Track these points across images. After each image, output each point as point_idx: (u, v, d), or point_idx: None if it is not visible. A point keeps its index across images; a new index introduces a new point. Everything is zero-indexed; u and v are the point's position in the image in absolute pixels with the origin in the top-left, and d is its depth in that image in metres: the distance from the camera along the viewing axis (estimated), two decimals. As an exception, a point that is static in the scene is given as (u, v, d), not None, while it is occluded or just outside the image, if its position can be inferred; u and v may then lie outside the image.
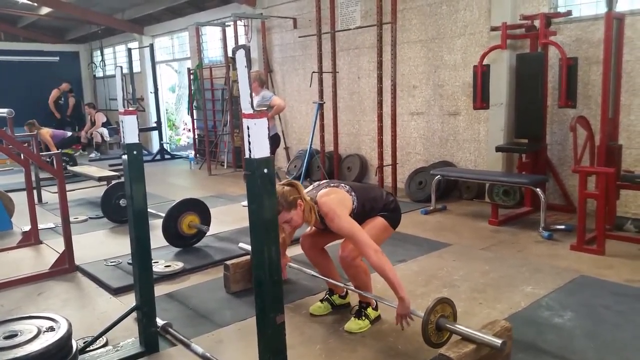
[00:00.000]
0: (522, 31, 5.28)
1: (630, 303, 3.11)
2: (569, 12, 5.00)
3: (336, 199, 2.76)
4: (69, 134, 9.76)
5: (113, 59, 13.89)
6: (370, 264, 2.64)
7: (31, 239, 4.76)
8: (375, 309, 2.97)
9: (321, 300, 3.16)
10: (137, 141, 2.55)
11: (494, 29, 5.33)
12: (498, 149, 5.34)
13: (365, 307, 2.92)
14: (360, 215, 2.83)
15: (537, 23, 5.05)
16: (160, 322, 2.86)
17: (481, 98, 5.26)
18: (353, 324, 2.87)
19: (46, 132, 9.18)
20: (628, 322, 2.88)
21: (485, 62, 5.26)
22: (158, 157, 10.76)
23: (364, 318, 2.89)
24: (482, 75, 5.23)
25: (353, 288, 2.94)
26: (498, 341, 2.25)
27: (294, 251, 4.25)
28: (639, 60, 4.67)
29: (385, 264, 2.56)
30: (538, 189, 4.64)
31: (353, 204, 2.81)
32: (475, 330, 2.36)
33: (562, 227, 4.62)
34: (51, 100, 12.65)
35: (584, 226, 4.07)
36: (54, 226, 5.34)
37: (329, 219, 2.70)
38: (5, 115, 7.46)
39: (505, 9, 5.41)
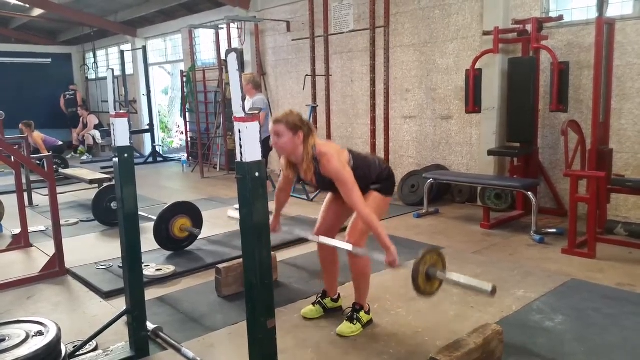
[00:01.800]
0: (514, 35, 5.32)
1: (620, 307, 3.13)
2: (560, 17, 5.04)
3: (334, 148, 2.76)
4: (60, 143, 9.66)
5: (106, 61, 13.82)
6: (359, 215, 2.67)
7: (21, 242, 4.72)
8: (368, 312, 2.97)
9: (313, 304, 3.16)
10: (129, 144, 2.54)
11: (486, 33, 5.36)
12: (490, 153, 5.37)
13: (358, 311, 2.92)
14: (355, 171, 2.78)
15: (529, 28, 5.09)
16: (150, 326, 2.85)
17: (473, 102, 5.28)
18: (345, 328, 2.87)
19: (38, 136, 9.10)
20: (618, 325, 2.89)
21: (477, 66, 5.28)
22: (150, 159, 10.71)
23: (356, 322, 2.89)
24: (474, 79, 5.25)
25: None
26: (488, 286, 2.25)
27: (292, 254, 4.25)
28: (630, 65, 4.71)
29: (372, 216, 2.60)
30: (529, 193, 4.66)
31: (349, 161, 2.78)
32: (464, 277, 2.38)
33: (554, 230, 4.64)
34: (62, 102, 12.89)
35: (575, 230, 4.09)
36: (44, 229, 5.29)
37: (325, 161, 2.67)
38: (-5, 117, 7.40)
39: (497, 13, 5.45)
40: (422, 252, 2.46)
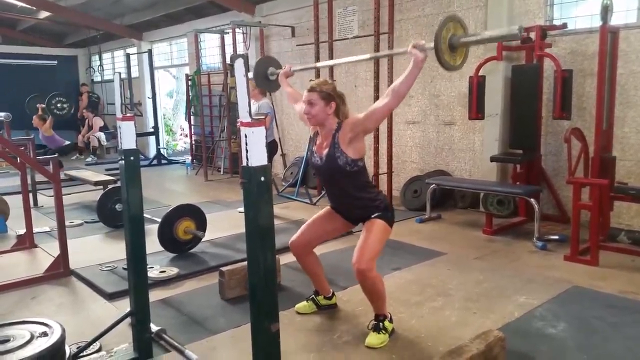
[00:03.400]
0: (518, 43, 5.33)
1: (623, 315, 3.13)
2: (564, 25, 5.06)
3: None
4: (67, 142, 9.71)
5: (111, 64, 13.90)
6: (395, 96, 2.64)
7: (26, 242, 4.75)
8: (391, 321, 2.94)
9: (307, 299, 3.24)
10: (134, 147, 2.56)
11: (490, 40, 5.37)
12: (493, 159, 5.37)
13: (382, 320, 2.88)
14: (361, 172, 2.87)
15: (532, 35, 5.10)
16: (154, 328, 2.86)
17: (476, 108, 5.29)
18: (374, 339, 2.81)
19: (48, 127, 9.01)
20: (621, 333, 2.89)
21: (481, 73, 5.30)
22: (155, 162, 10.75)
23: (383, 332, 2.85)
24: (477, 86, 5.27)
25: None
26: (514, 28, 2.19)
27: (293, 257, 4.26)
28: (633, 73, 4.72)
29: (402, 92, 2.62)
30: (532, 199, 4.67)
31: (362, 157, 2.87)
32: (487, 32, 2.35)
33: (556, 237, 4.64)
34: (85, 103, 12.97)
35: (578, 237, 4.10)
36: (49, 230, 5.32)
37: (346, 123, 2.79)
38: (2, 119, 7.46)
39: (501, 20, 5.47)
40: (440, 22, 2.38)
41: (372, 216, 2.85)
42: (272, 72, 3.49)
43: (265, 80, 3.53)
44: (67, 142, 9.67)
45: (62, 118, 10.54)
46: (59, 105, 10.41)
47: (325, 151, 2.84)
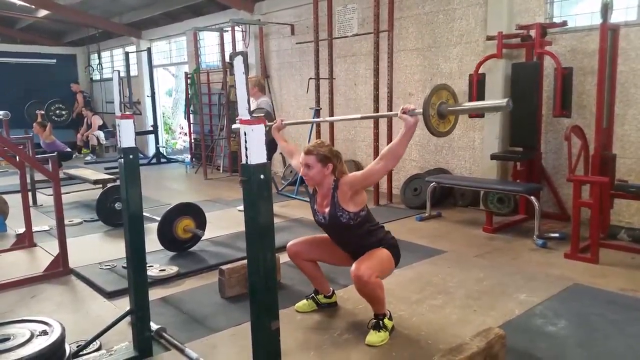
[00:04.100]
0: (518, 41, 5.33)
1: (623, 312, 3.13)
2: (564, 23, 5.05)
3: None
4: (68, 150, 9.64)
5: (110, 62, 13.88)
6: (392, 158, 2.66)
7: (25, 241, 4.74)
8: (390, 318, 2.94)
9: (306, 298, 3.25)
10: (134, 145, 2.55)
11: (489, 38, 5.37)
12: (493, 157, 5.37)
13: (382, 319, 2.88)
14: (365, 220, 2.89)
15: (532, 33, 5.10)
16: (154, 326, 2.86)
17: (477, 106, 5.28)
18: (374, 337, 2.82)
19: (48, 134, 8.98)
20: (621, 331, 2.89)
21: (481, 70, 5.29)
22: (154, 160, 10.74)
23: (383, 330, 2.85)
24: (477, 84, 5.26)
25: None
26: (502, 102, 2.22)
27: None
28: (633, 71, 4.72)
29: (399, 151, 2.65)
30: (532, 197, 4.66)
31: (364, 206, 2.90)
32: (477, 102, 2.36)
33: (556, 235, 4.64)
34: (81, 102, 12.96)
35: (578, 235, 4.09)
36: (48, 229, 5.32)
37: (343, 181, 2.82)
38: (1, 117, 7.45)
39: (501, 18, 5.46)
40: (428, 92, 2.41)
41: (382, 246, 2.91)
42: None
43: None
44: (69, 150, 9.61)
45: (61, 124, 10.57)
46: (57, 112, 10.43)
47: (327, 210, 2.89)
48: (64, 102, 10.80)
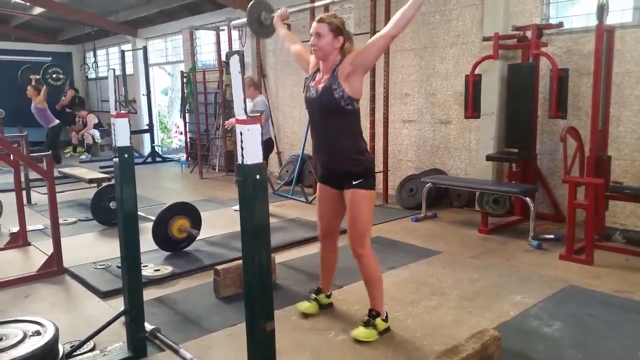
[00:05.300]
0: (514, 42, 5.33)
1: (618, 313, 3.14)
2: (560, 24, 5.06)
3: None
4: (57, 121, 9.46)
5: (106, 60, 13.83)
6: (401, 18, 2.54)
7: (19, 240, 4.72)
8: (385, 320, 2.93)
9: (309, 300, 3.21)
10: (129, 144, 2.54)
11: (486, 39, 5.38)
12: (488, 158, 5.38)
13: (375, 317, 2.87)
14: (353, 114, 2.81)
15: (528, 34, 5.10)
16: (148, 326, 2.84)
17: (472, 107, 5.29)
18: (360, 332, 2.82)
19: (42, 99, 8.78)
20: (616, 332, 2.90)
21: (477, 71, 5.30)
22: (149, 159, 10.70)
23: (371, 328, 2.84)
24: (473, 85, 5.26)
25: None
26: None
27: (290, 255, 4.25)
28: (628, 72, 4.73)
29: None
30: (528, 198, 4.67)
31: (358, 100, 2.81)
32: None
33: (551, 236, 4.65)
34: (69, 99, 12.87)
35: (573, 236, 4.10)
36: (42, 228, 5.29)
37: (349, 55, 2.73)
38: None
39: (497, 19, 5.47)
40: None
41: (353, 183, 2.79)
42: (265, 16, 3.32)
43: (259, 25, 3.38)
44: (57, 122, 9.46)
45: (57, 88, 10.31)
46: (54, 75, 10.00)
47: (322, 85, 2.78)
48: (61, 65, 10.57)
